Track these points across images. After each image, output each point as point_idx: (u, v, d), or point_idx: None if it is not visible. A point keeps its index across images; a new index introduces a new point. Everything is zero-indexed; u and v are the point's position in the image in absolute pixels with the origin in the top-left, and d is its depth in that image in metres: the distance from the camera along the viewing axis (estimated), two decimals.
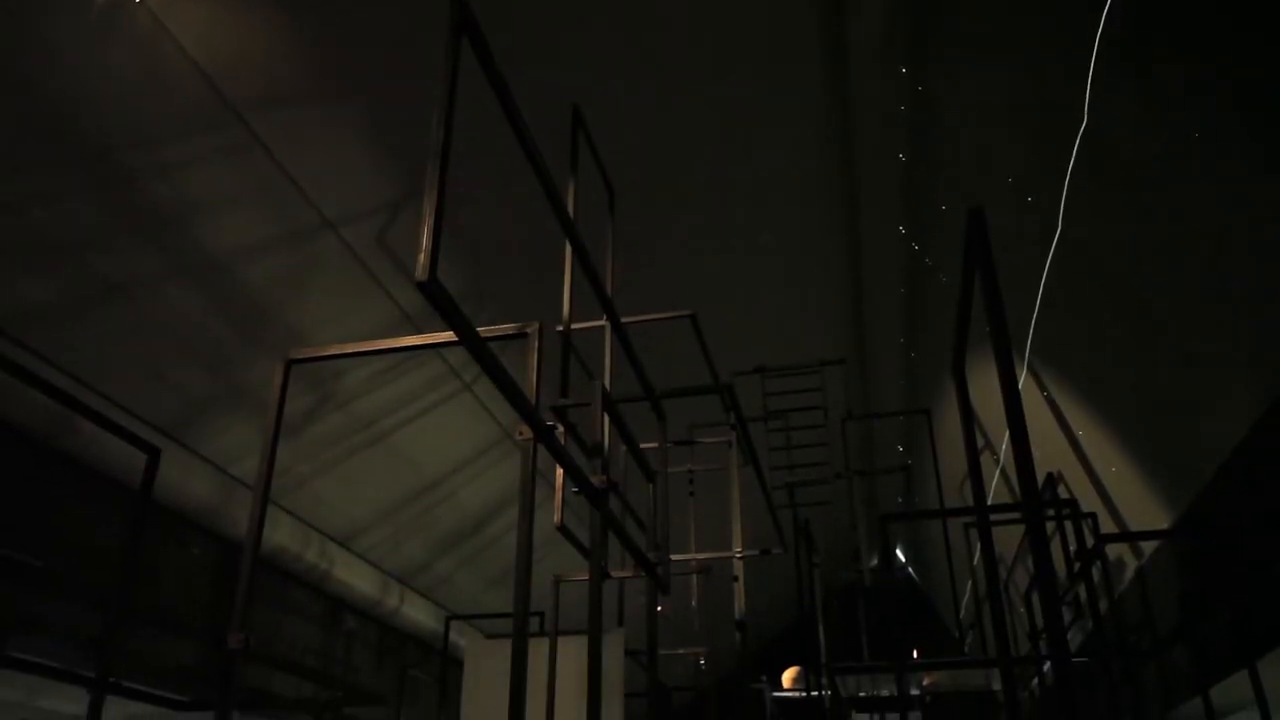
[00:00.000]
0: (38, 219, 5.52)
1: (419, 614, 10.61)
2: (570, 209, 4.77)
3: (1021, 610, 10.12)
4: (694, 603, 10.11)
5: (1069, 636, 8.61)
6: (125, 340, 6.41)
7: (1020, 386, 2.78)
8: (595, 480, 3.77)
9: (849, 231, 12.05)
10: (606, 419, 3.97)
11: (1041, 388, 8.50)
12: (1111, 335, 7.13)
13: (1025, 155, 7.26)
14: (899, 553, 23.00)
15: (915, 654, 16.41)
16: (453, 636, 10.00)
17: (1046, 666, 8.33)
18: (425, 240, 2.31)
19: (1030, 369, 8.54)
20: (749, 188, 9.92)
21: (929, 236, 10.52)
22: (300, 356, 4.01)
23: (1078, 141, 6.06)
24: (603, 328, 5.15)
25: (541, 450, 3.38)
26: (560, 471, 4.44)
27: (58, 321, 5.98)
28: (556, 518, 4.71)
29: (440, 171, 2.42)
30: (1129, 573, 8.70)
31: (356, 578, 9.44)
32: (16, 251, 5.58)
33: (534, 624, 7.40)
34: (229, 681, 3.61)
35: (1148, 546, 8.12)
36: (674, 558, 6.66)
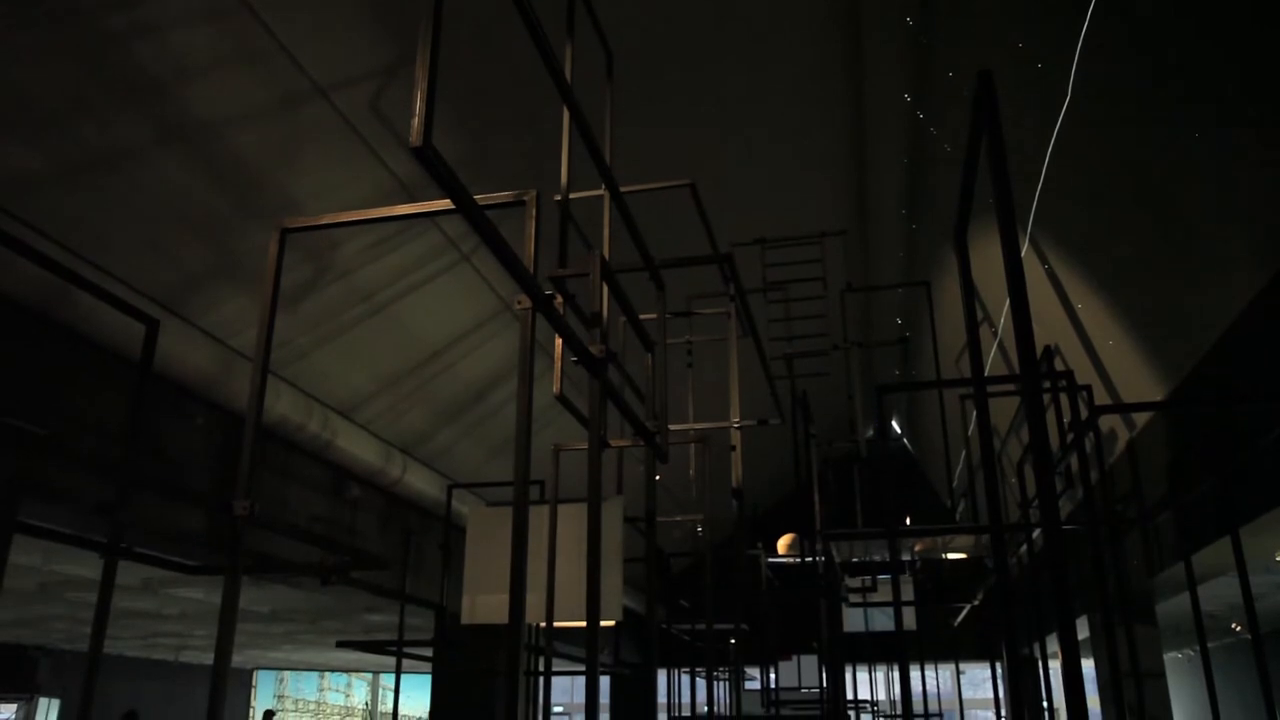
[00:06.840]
0: (19, 83, 5.38)
1: (422, 483, 10.82)
2: (568, 74, 4.65)
3: (1013, 480, 10.31)
4: (692, 472, 10.29)
5: (1059, 505, 8.77)
6: (118, 210, 6.33)
7: (1021, 257, 2.75)
8: (594, 350, 3.78)
9: (853, 100, 11.79)
10: (605, 289, 3.96)
11: (1042, 260, 8.46)
12: (1114, 207, 7.05)
13: (1037, 21, 7.04)
14: (894, 424, 23.32)
15: (908, 522, 16.82)
16: (455, 504, 10.22)
17: (1036, 534, 8.53)
18: (419, 105, 2.26)
19: (1032, 241, 8.48)
20: (750, 54, 9.66)
21: (934, 104, 10.29)
22: (295, 225, 3.97)
23: (1091, 7, 5.87)
24: (601, 197, 5.09)
25: (540, 321, 3.38)
26: (559, 341, 4.44)
27: (47, 190, 5.88)
28: (556, 387, 4.74)
29: (433, 33, 2.34)
30: (1120, 445, 8.83)
31: (359, 448, 9.58)
32: (2, 118, 5.46)
33: (534, 492, 7.55)
34: (237, 547, 3.70)
35: (1140, 419, 8.22)
36: (672, 427, 6.74)
